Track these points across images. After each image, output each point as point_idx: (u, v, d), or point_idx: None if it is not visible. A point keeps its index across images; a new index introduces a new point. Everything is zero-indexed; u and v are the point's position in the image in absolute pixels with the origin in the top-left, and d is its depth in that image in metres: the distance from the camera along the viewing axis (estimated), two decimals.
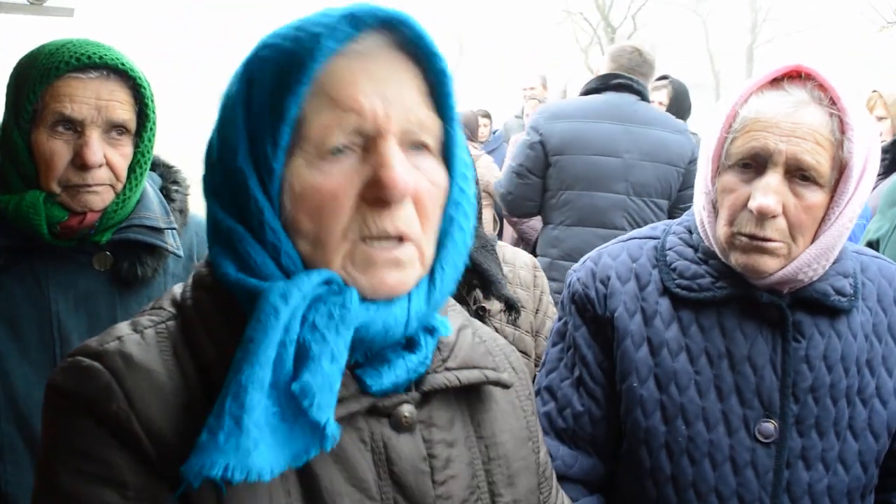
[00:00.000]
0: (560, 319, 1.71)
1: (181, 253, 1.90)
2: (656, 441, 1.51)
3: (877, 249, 2.85)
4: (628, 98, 3.84)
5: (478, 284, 2.07)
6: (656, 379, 1.52)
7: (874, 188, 3.65)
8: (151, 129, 1.82)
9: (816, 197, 1.43)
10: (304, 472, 0.90)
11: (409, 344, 0.98)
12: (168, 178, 2.01)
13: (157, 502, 0.85)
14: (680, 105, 5.24)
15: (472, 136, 7.42)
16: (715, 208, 1.52)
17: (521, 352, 1.86)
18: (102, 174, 1.73)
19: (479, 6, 26.85)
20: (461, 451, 1.02)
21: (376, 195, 0.89)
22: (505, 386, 1.08)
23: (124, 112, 1.73)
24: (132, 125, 1.77)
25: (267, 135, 0.89)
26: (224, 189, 0.94)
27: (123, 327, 0.96)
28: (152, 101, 1.81)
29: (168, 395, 0.89)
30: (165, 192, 1.97)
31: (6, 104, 1.74)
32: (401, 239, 0.92)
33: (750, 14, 27.98)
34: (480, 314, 2.12)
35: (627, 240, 1.69)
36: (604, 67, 4.04)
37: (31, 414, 1.72)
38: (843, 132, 1.42)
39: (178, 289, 1.02)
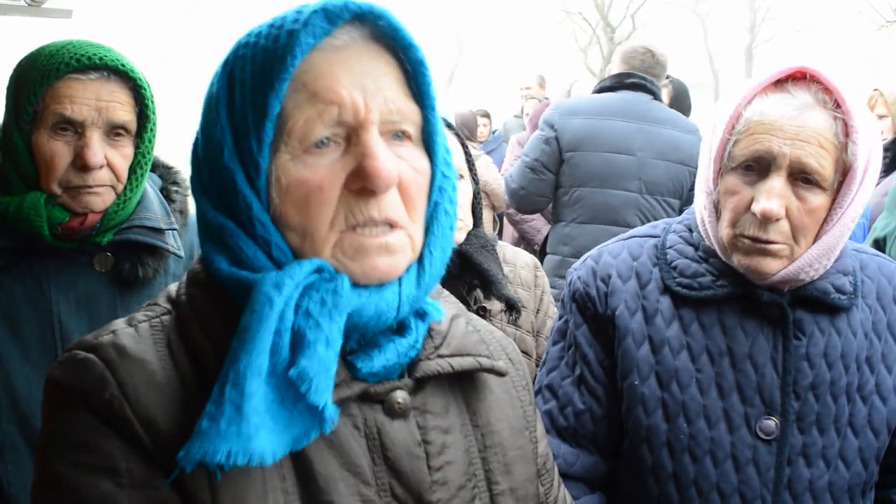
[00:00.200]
0: (561, 318, 1.71)
1: (182, 253, 1.90)
2: (658, 439, 1.52)
3: (883, 246, 2.85)
4: (642, 97, 3.85)
5: (478, 284, 2.07)
6: (657, 377, 1.53)
7: (875, 187, 3.66)
8: (152, 130, 1.83)
9: (819, 199, 1.43)
10: (299, 458, 0.91)
11: (400, 328, 1.00)
12: (168, 179, 2.02)
13: (152, 488, 0.87)
14: (680, 105, 5.23)
15: (471, 135, 7.42)
16: (717, 209, 1.52)
17: (521, 352, 1.86)
18: (103, 175, 1.73)
19: (479, 6, 26.85)
20: (457, 438, 1.03)
21: (362, 185, 0.92)
22: (499, 373, 1.09)
23: (125, 113, 1.74)
24: (133, 126, 1.77)
25: (251, 131, 0.91)
26: (212, 186, 0.95)
27: (119, 322, 0.99)
28: (153, 102, 1.81)
29: (161, 384, 0.91)
30: (165, 192, 1.98)
31: (6, 105, 1.74)
32: (391, 225, 0.94)
33: (749, 13, 27.99)
34: (481, 314, 2.12)
35: (628, 238, 1.70)
36: (615, 67, 4.05)
37: (32, 414, 1.73)
38: (846, 135, 1.41)
39: (173, 287, 1.04)
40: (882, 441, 1.53)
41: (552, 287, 2.77)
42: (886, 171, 3.75)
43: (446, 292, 1.17)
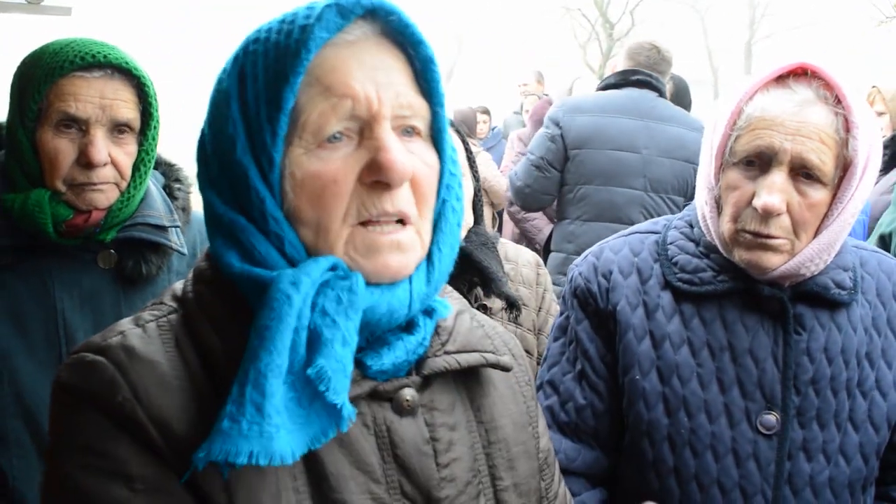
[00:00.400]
0: (562, 314, 1.72)
1: (185, 250, 1.91)
2: (659, 433, 1.52)
3: (889, 243, 2.85)
4: (647, 94, 3.83)
5: (478, 282, 2.07)
6: (658, 371, 1.54)
7: (875, 184, 3.67)
8: (155, 127, 1.83)
9: (820, 195, 1.44)
10: (310, 457, 0.91)
11: (408, 326, 1.00)
12: (171, 177, 2.02)
13: (167, 493, 0.87)
14: (680, 101, 5.22)
15: (471, 132, 7.41)
16: (718, 204, 1.53)
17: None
18: (107, 173, 1.74)
19: (478, 3, 26.82)
20: (462, 434, 1.04)
21: (376, 179, 0.92)
22: (504, 368, 1.09)
23: (128, 111, 1.74)
24: (136, 124, 1.78)
25: (265, 125, 0.92)
26: (223, 182, 0.95)
27: (125, 323, 0.98)
28: (156, 99, 1.82)
29: (172, 384, 0.91)
30: (168, 190, 1.98)
31: (10, 103, 1.75)
32: (402, 222, 0.95)
33: (748, 10, 27.97)
34: (481, 312, 2.12)
35: (629, 234, 1.71)
36: (621, 64, 4.02)
37: (37, 410, 1.74)
38: (847, 131, 1.43)
39: (178, 285, 1.04)
40: (882, 436, 1.54)
41: (555, 285, 2.77)
42: (885, 169, 3.75)
43: (450, 288, 1.17)
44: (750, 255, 1.47)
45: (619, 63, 4.07)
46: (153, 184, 1.92)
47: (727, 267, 1.54)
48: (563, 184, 3.85)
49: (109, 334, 0.95)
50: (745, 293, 1.53)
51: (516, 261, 2.40)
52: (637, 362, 1.55)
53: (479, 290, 2.09)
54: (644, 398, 1.54)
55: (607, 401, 1.62)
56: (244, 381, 0.85)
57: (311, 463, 0.92)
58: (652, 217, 3.57)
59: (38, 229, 1.70)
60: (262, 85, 0.92)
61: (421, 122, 0.98)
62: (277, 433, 0.84)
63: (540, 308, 2.40)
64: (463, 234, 2.08)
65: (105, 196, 1.75)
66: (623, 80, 3.90)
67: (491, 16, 27.33)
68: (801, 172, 1.43)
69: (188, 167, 2.07)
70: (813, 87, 1.44)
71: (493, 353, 1.09)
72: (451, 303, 1.11)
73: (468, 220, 2.12)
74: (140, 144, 1.81)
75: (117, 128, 1.74)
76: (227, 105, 0.94)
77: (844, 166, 1.44)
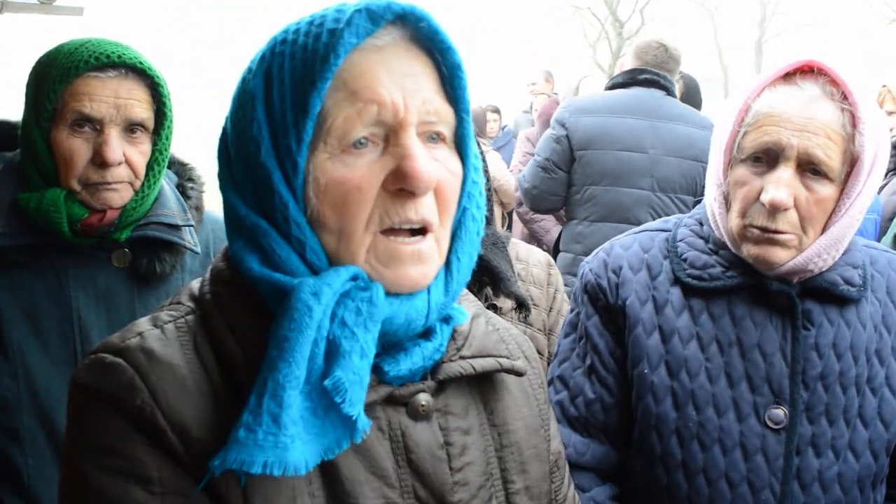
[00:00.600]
0: (572, 311, 1.73)
1: (198, 249, 1.92)
2: (667, 427, 1.53)
3: None
4: (655, 93, 3.81)
5: (488, 282, 2.07)
6: (667, 366, 1.55)
7: (885, 184, 3.66)
8: (169, 127, 1.85)
9: (827, 190, 1.45)
10: (325, 462, 0.91)
11: (426, 332, 1.00)
12: (184, 176, 2.03)
13: (185, 497, 0.87)
14: (691, 100, 5.21)
15: (480, 131, 7.41)
16: (727, 200, 1.55)
17: None
18: (121, 172, 1.75)
19: (487, 2, 26.80)
20: (476, 438, 1.04)
21: (401, 186, 0.92)
22: (518, 373, 1.09)
23: (142, 110, 1.76)
24: (150, 123, 1.79)
25: (290, 129, 0.91)
26: (246, 184, 0.95)
27: (144, 323, 0.98)
28: (169, 99, 1.83)
29: (191, 388, 0.91)
30: (181, 189, 1.99)
31: (26, 103, 1.77)
32: (423, 231, 0.94)
33: (758, 8, 27.85)
34: (492, 312, 2.12)
35: (639, 232, 1.72)
36: (628, 63, 4.00)
37: (52, 409, 1.75)
38: (853, 126, 1.44)
39: (195, 284, 1.04)
40: (892, 433, 1.54)
41: (565, 285, 2.77)
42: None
43: (465, 290, 1.16)
44: (758, 250, 1.48)
45: (626, 62, 4.05)
46: (167, 183, 1.93)
47: (736, 263, 1.55)
48: (570, 184, 3.84)
49: (128, 335, 0.95)
50: (753, 289, 1.54)
51: (527, 261, 2.40)
52: (646, 356, 1.56)
53: (489, 290, 2.10)
54: (653, 392, 1.55)
55: (616, 395, 1.63)
56: (262, 392, 0.85)
57: (327, 468, 0.92)
58: (660, 217, 3.57)
59: (53, 228, 1.72)
60: (288, 88, 0.92)
61: (446, 128, 0.98)
62: (292, 444, 0.84)
63: (551, 308, 2.39)
64: None
65: (119, 195, 1.76)
66: (630, 80, 3.87)
67: (500, 15, 27.30)
68: (808, 168, 1.44)
69: (201, 166, 2.09)
70: (819, 84, 1.45)
71: (508, 357, 1.09)
72: (467, 307, 1.11)
73: None
74: (154, 144, 1.82)
75: (131, 127, 1.75)
76: (253, 106, 0.94)
77: (851, 162, 1.46)
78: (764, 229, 1.46)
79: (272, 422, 0.84)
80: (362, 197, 0.91)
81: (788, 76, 1.49)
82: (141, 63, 1.75)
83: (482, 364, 1.05)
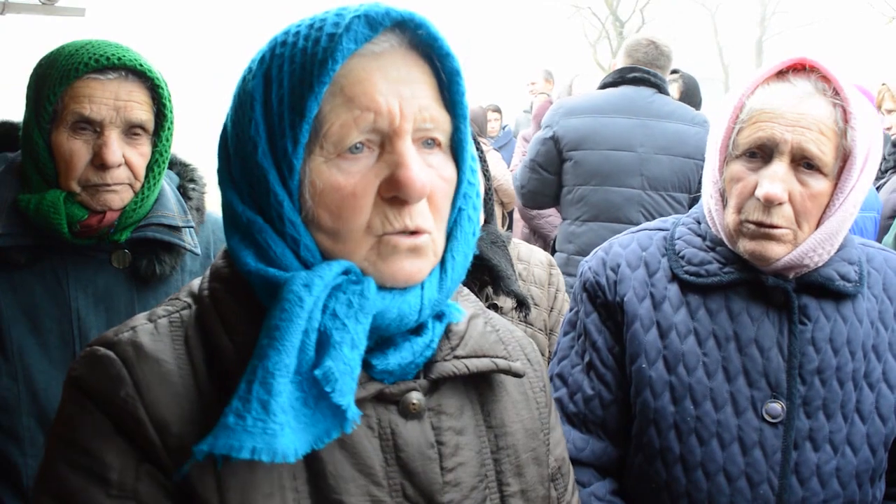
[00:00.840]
0: (571, 309, 1.75)
1: (198, 251, 1.92)
2: (665, 421, 1.54)
3: None
4: (644, 91, 3.80)
5: (489, 281, 2.07)
6: (665, 361, 1.56)
7: (885, 182, 3.66)
8: (169, 128, 1.85)
9: (821, 185, 1.47)
10: (311, 456, 0.92)
11: (417, 328, 1.01)
12: (185, 177, 2.04)
13: (143, 501, 0.89)
14: (690, 99, 5.23)
15: (481, 131, 7.40)
16: (723, 197, 1.57)
17: None
18: (121, 174, 1.75)
19: (489, 1, 26.80)
20: (470, 438, 1.04)
21: (394, 194, 0.93)
22: (516, 375, 1.09)
23: (142, 112, 1.76)
24: (150, 125, 1.79)
25: (287, 132, 0.92)
26: (243, 181, 0.96)
27: (140, 318, 1.00)
28: (170, 101, 1.83)
29: (175, 382, 0.93)
30: (183, 190, 1.99)
31: (27, 105, 1.77)
32: (417, 232, 0.95)
33: (759, 7, 27.84)
34: (493, 311, 2.12)
35: (638, 231, 1.74)
36: (620, 62, 4.00)
37: (51, 409, 1.76)
38: (846, 122, 1.46)
39: (196, 281, 1.05)
40: (890, 428, 1.55)
41: None
42: None
43: (466, 291, 1.17)
44: (754, 245, 1.50)
45: (618, 61, 4.05)
46: (167, 184, 1.93)
47: (733, 259, 1.56)
48: (562, 185, 3.85)
49: (122, 329, 0.98)
50: (750, 284, 1.56)
51: (528, 260, 2.41)
52: (644, 351, 1.58)
53: (489, 290, 2.10)
54: (651, 387, 1.56)
55: (615, 391, 1.64)
56: (252, 379, 0.86)
57: (312, 462, 0.93)
58: (651, 215, 3.60)
59: (53, 229, 1.72)
60: (286, 90, 0.92)
61: (442, 134, 0.98)
62: (282, 431, 0.85)
63: (552, 308, 2.40)
64: None
65: (119, 197, 1.76)
66: (620, 79, 3.87)
67: (500, 14, 27.31)
68: (802, 163, 1.46)
69: (202, 166, 2.10)
70: (812, 81, 1.48)
71: (505, 358, 1.08)
72: (466, 306, 1.11)
73: (479, 218, 2.12)
74: (154, 145, 1.83)
75: (131, 129, 1.76)
76: (251, 107, 0.94)
77: (844, 157, 1.48)
78: (759, 224, 1.48)
79: (261, 408, 0.85)
80: (357, 203, 0.92)
81: (781, 74, 1.52)
82: (141, 65, 1.76)
83: (476, 364, 1.04)
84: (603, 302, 1.66)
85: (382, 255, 0.94)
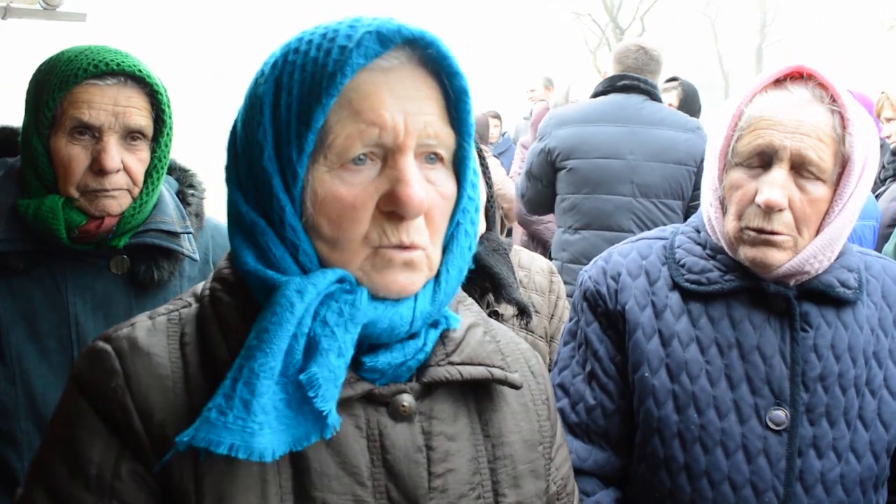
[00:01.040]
0: (571, 319, 1.74)
1: (197, 256, 1.92)
2: (669, 430, 1.54)
3: None
4: (635, 99, 3.81)
5: (490, 288, 2.07)
6: (668, 369, 1.56)
7: (884, 191, 3.66)
8: (168, 134, 1.85)
9: (820, 191, 1.48)
10: (296, 453, 0.94)
11: (410, 336, 1.02)
12: (184, 182, 2.03)
13: (120, 498, 0.92)
14: (690, 106, 5.23)
15: (482, 138, 7.41)
16: (723, 205, 1.57)
17: None
18: (120, 179, 1.75)
19: (488, 7, 26.85)
20: (463, 445, 1.04)
21: (393, 209, 0.94)
22: (512, 386, 1.09)
23: (141, 118, 1.76)
24: (149, 131, 1.79)
25: (293, 140, 0.94)
26: (248, 183, 0.98)
27: (142, 316, 1.04)
28: (169, 107, 1.83)
29: (166, 377, 0.96)
30: (181, 195, 1.99)
31: (26, 110, 1.77)
32: (412, 247, 0.97)
33: (759, 15, 27.90)
34: (493, 319, 2.12)
35: (637, 240, 1.74)
36: (610, 69, 4.01)
37: (49, 413, 1.75)
38: (843, 128, 1.48)
39: (201, 283, 1.08)
40: (892, 435, 1.55)
41: None
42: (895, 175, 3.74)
43: (469, 300, 1.18)
44: (755, 253, 1.50)
45: (609, 68, 4.06)
46: (166, 189, 1.93)
47: (733, 267, 1.57)
48: (556, 194, 3.88)
49: (122, 325, 1.02)
50: (751, 292, 1.56)
51: (529, 268, 2.41)
52: (646, 360, 1.57)
53: (490, 297, 2.10)
54: (654, 395, 1.56)
55: (617, 401, 1.63)
56: (237, 377, 0.89)
57: (297, 458, 0.95)
58: (643, 222, 3.62)
59: (51, 235, 1.72)
60: (295, 99, 0.94)
61: (445, 150, 0.99)
62: (260, 430, 0.88)
63: (552, 315, 2.40)
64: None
65: (117, 202, 1.76)
66: (610, 87, 3.88)
67: (500, 21, 27.35)
68: (801, 169, 1.47)
69: (201, 169, 2.10)
70: (809, 88, 1.50)
71: (502, 368, 1.08)
72: (466, 315, 1.12)
73: (481, 226, 2.12)
74: (153, 151, 1.82)
75: (130, 135, 1.76)
76: (261, 111, 0.96)
77: (843, 164, 1.49)
78: (760, 230, 1.49)
79: (242, 407, 0.87)
80: (356, 215, 0.94)
81: (779, 82, 1.53)
82: (140, 71, 1.76)
83: (471, 371, 1.05)
84: (604, 311, 1.65)
85: (377, 267, 0.96)
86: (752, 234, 1.50)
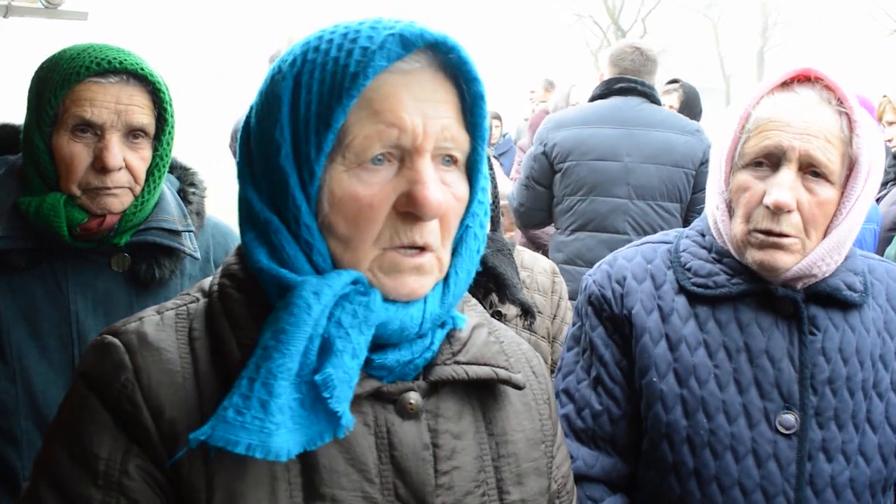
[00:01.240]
0: (574, 324, 1.73)
1: (198, 255, 1.92)
2: (678, 435, 1.53)
3: None
4: (632, 101, 3.80)
5: (493, 288, 2.07)
6: (676, 373, 1.55)
7: (885, 195, 3.66)
8: (170, 132, 1.85)
9: (828, 193, 1.48)
10: (305, 451, 0.93)
11: (418, 335, 1.02)
12: (185, 181, 2.03)
13: (128, 498, 0.92)
14: (690, 109, 5.23)
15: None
16: (729, 208, 1.57)
17: None
18: (121, 177, 1.75)
19: (490, 8, 26.86)
20: (468, 443, 1.05)
21: (409, 210, 0.95)
22: (515, 386, 1.10)
23: (143, 116, 1.76)
24: (151, 129, 1.79)
25: (312, 139, 0.94)
26: (264, 181, 0.98)
27: (149, 310, 1.04)
28: (171, 105, 1.83)
29: (175, 372, 0.96)
30: (183, 194, 1.99)
31: (28, 108, 1.77)
32: (423, 248, 0.97)
33: (761, 18, 27.91)
34: (496, 319, 2.12)
35: (640, 244, 1.73)
36: (607, 72, 3.99)
37: (49, 412, 1.75)
38: (851, 130, 1.48)
39: (209, 279, 1.08)
40: None
41: None
42: None
43: (473, 301, 1.19)
44: (763, 255, 1.50)
45: (605, 71, 4.04)
46: (167, 188, 1.93)
47: (740, 270, 1.56)
48: (553, 196, 3.88)
49: (130, 320, 1.02)
50: (759, 295, 1.55)
51: (532, 268, 2.41)
52: (654, 365, 1.56)
53: (494, 297, 2.10)
54: (662, 400, 1.55)
55: (624, 406, 1.62)
56: (254, 377, 0.89)
57: (306, 456, 0.95)
58: (638, 224, 3.63)
59: (53, 232, 1.72)
60: (315, 98, 0.94)
61: (460, 153, 1.01)
62: (277, 430, 0.88)
63: (555, 316, 2.40)
64: None
65: (119, 200, 1.76)
66: (608, 90, 3.87)
67: (502, 22, 27.36)
68: (809, 171, 1.47)
69: (202, 168, 2.10)
70: (816, 90, 1.50)
71: (506, 369, 1.10)
72: (472, 316, 1.13)
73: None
74: (154, 149, 1.82)
75: (132, 133, 1.75)
76: (279, 108, 0.96)
77: (850, 165, 1.49)
78: (768, 232, 1.48)
79: (260, 407, 0.88)
80: (373, 214, 0.95)
81: (786, 84, 1.53)
82: (142, 69, 1.75)
83: (476, 371, 1.06)
84: (609, 315, 1.64)
85: (385, 270, 0.97)
86: (760, 236, 1.49)
